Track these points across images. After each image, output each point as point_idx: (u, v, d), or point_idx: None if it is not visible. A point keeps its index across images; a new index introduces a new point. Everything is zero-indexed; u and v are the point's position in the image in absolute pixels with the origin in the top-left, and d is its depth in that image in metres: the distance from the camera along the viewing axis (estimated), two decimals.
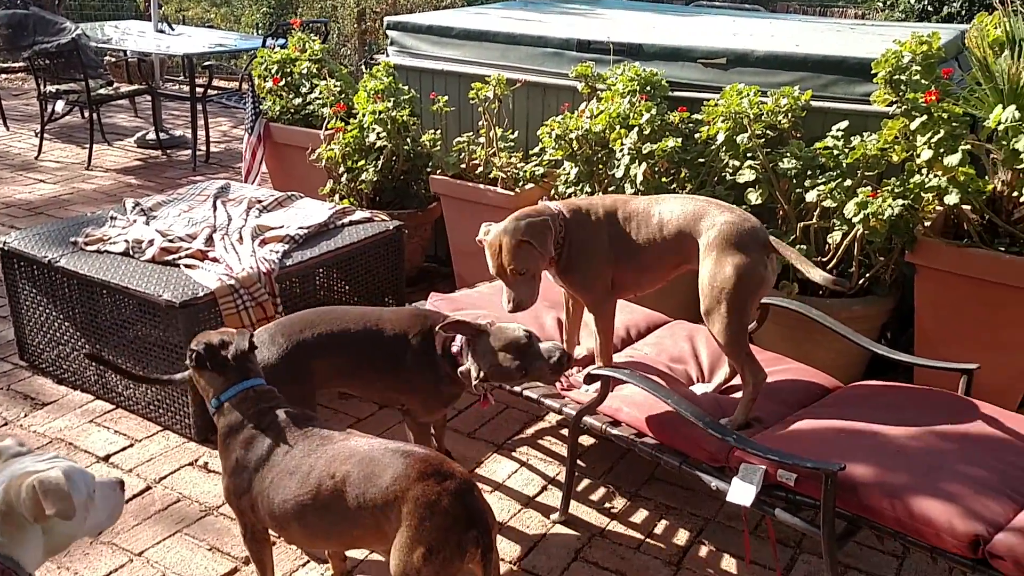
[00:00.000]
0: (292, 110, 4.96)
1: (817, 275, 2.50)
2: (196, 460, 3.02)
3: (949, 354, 2.92)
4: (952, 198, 3.00)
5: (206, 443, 3.09)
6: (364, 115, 4.24)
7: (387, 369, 2.59)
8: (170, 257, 3.27)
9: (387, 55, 4.80)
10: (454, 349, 2.54)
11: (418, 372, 2.58)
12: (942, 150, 3.00)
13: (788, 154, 3.37)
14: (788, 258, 2.54)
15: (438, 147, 4.28)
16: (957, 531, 1.90)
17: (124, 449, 3.07)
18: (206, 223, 3.61)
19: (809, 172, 3.33)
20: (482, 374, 2.44)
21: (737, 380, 2.70)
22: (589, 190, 3.76)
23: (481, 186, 4.01)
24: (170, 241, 3.38)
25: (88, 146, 6.59)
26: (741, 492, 2.17)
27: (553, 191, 3.94)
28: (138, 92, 7.22)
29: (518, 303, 2.59)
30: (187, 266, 3.21)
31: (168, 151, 7.11)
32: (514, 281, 2.59)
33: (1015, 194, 3.06)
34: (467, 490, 1.94)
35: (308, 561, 2.54)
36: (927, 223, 3.20)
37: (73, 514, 1.64)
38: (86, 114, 7.13)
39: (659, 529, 2.73)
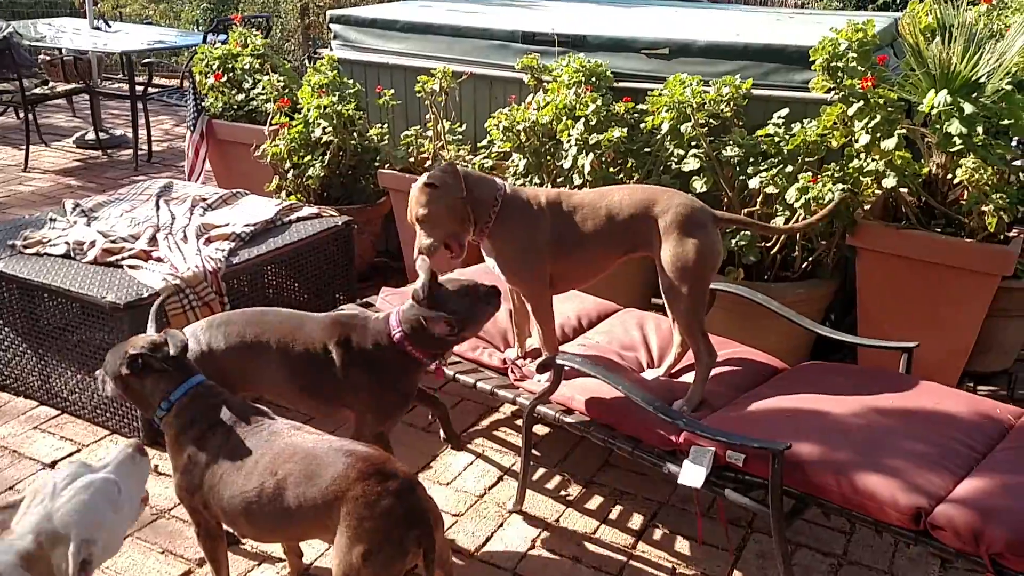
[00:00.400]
0: (235, 106, 4.89)
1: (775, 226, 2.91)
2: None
3: (890, 333, 3.00)
4: (889, 181, 3.08)
5: (155, 446, 3.03)
6: (309, 110, 4.20)
7: (310, 382, 2.47)
8: (113, 258, 3.21)
9: (331, 49, 4.75)
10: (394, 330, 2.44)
11: (348, 381, 2.45)
12: (879, 135, 3.08)
13: (731, 142, 3.42)
14: (740, 222, 2.88)
15: (385, 141, 4.25)
16: (900, 504, 1.96)
17: (71, 455, 3.00)
18: (149, 223, 3.55)
19: (752, 159, 3.39)
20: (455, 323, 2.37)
21: (685, 362, 2.75)
22: (538, 181, 3.78)
23: None
24: (112, 242, 3.31)
25: (24, 147, 6.42)
26: (692, 474, 2.21)
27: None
28: (75, 91, 7.05)
29: (423, 247, 2.61)
30: (131, 267, 3.15)
31: (108, 151, 6.96)
32: (421, 228, 2.63)
33: (949, 176, 3.16)
34: (409, 489, 1.94)
35: (263, 561, 2.52)
36: (867, 207, 3.29)
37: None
38: (21, 115, 6.94)
39: (614, 515, 2.76)
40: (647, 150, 3.64)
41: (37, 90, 6.62)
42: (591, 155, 3.49)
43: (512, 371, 2.83)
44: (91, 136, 7.06)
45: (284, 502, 1.96)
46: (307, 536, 2.12)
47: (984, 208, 2.97)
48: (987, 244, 3.05)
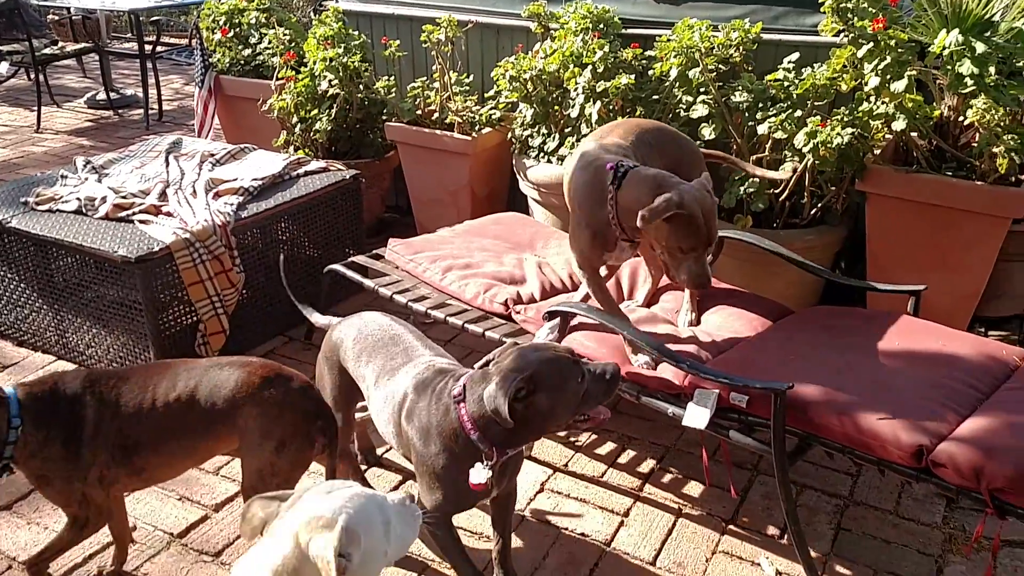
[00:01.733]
0: (242, 61, 4.87)
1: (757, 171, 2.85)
2: None
3: (900, 278, 2.99)
4: (899, 124, 3.04)
5: None
6: (315, 63, 4.18)
7: None
8: (124, 213, 3.24)
9: (336, 1, 4.71)
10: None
11: None
12: (889, 77, 3.03)
13: (740, 87, 3.39)
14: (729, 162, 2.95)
15: (392, 94, 4.24)
16: (902, 442, 1.97)
17: None
18: (159, 178, 3.57)
19: (761, 105, 3.36)
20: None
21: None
22: (545, 131, 3.76)
23: (438, 132, 3.99)
24: (123, 198, 3.34)
25: (36, 108, 6.44)
26: (696, 415, 2.23)
27: (510, 134, 3.93)
28: (85, 51, 7.04)
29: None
30: (141, 222, 3.18)
31: (119, 111, 6.97)
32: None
33: (960, 119, 3.12)
34: (308, 387, 2.13)
35: None
36: (876, 151, 3.25)
37: None
38: (32, 76, 6.94)
39: (622, 459, 2.80)
40: (655, 97, 3.61)
41: (47, 50, 6.62)
42: (599, 103, 3.47)
43: (515, 314, 2.84)
44: (102, 96, 7.07)
45: (194, 417, 2.03)
46: (215, 451, 2.16)
47: (995, 150, 2.94)
48: (998, 186, 3.02)
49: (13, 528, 2.47)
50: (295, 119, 4.27)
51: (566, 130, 3.68)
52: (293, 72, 4.35)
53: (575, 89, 3.56)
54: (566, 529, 2.47)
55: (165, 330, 3.08)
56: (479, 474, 1.90)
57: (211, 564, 2.34)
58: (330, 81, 4.15)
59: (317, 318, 2.68)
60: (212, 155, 3.80)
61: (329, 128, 4.17)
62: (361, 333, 2.33)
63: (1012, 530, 2.46)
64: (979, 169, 3.07)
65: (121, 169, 3.72)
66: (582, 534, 2.46)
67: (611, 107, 3.53)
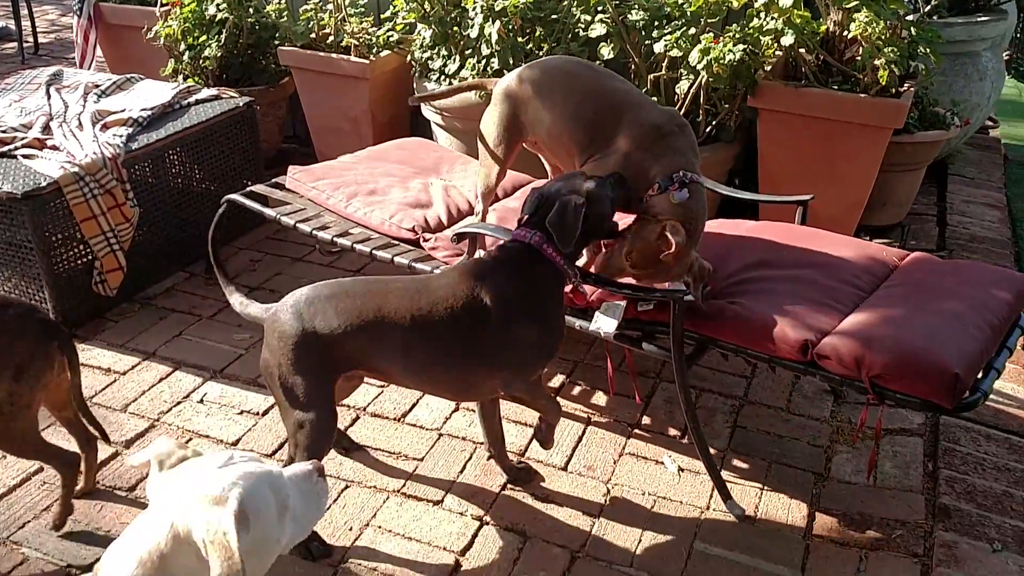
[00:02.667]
0: None
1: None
2: None
3: (790, 191, 3.09)
4: (788, 39, 3.14)
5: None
6: None
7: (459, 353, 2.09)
8: (5, 148, 3.07)
9: None
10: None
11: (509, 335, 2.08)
12: None
13: (636, 6, 3.42)
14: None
15: (284, 17, 4.10)
16: (789, 338, 2.10)
17: None
18: (40, 111, 3.38)
19: (656, 23, 3.40)
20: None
21: None
22: (445, 53, 3.72)
23: (333, 56, 3.89)
24: (3, 132, 3.17)
25: None
26: (605, 323, 2.32)
27: (409, 57, 3.87)
28: None
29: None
30: (25, 156, 3.03)
31: None
32: None
33: (845, 33, 3.23)
34: (32, 309, 2.13)
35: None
36: (767, 68, 3.35)
37: (239, 567, 1.27)
38: None
39: None
40: (554, 17, 3.60)
41: None
42: (498, 23, 3.44)
43: (423, 241, 2.85)
44: None
45: None
46: None
47: (877, 63, 3.07)
48: (879, 98, 3.16)
49: None
50: (183, 46, 4.09)
51: (466, 52, 3.65)
52: None
53: (473, 8, 3.52)
54: (482, 443, 2.54)
55: (59, 270, 2.97)
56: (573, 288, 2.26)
57: (125, 500, 2.33)
58: (218, 5, 3.99)
59: (238, 301, 2.35)
60: (96, 86, 3.62)
61: (219, 55, 4.02)
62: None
63: (891, 420, 2.67)
64: (863, 82, 3.21)
65: None
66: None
67: (510, 27, 3.51)
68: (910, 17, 3.44)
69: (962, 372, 1.93)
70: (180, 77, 4.16)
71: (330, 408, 2.06)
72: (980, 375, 2.05)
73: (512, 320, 2.05)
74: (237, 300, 2.35)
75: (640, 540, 2.23)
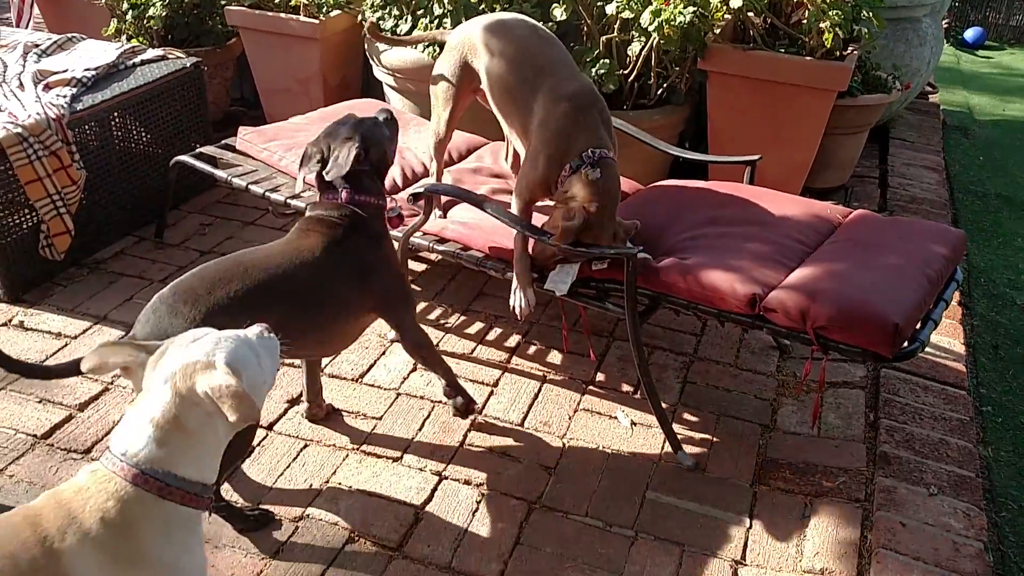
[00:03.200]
0: None
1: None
2: (11, 320, 2.89)
3: (738, 152, 3.17)
4: (737, 2, 3.19)
5: (19, 303, 2.96)
6: None
7: (330, 303, 2.15)
8: None
9: None
10: (346, 196, 2.22)
11: (363, 276, 2.19)
12: None
13: None
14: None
15: None
16: (738, 293, 2.17)
17: None
18: None
19: None
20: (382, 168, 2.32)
21: None
22: (397, 13, 3.69)
23: (282, 15, 3.83)
24: None
25: None
26: (558, 282, 2.36)
27: (360, 17, 3.83)
28: None
29: None
30: None
31: None
32: None
33: None
34: None
35: None
36: (716, 31, 3.40)
37: (259, 414, 1.41)
38: None
39: (490, 336, 2.92)
40: None
41: None
42: None
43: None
44: None
45: None
46: None
47: (822, 25, 3.14)
48: (824, 61, 3.24)
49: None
50: (126, 5, 3.99)
51: (418, 12, 3.62)
52: None
53: None
54: (440, 402, 2.58)
55: (5, 234, 2.90)
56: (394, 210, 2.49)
57: (81, 461, 2.32)
58: None
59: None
60: (36, 45, 3.52)
61: (164, 14, 3.93)
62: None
63: (835, 373, 2.77)
64: (808, 45, 3.28)
65: None
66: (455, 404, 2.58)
67: None
68: None
69: (902, 323, 2.02)
70: (123, 37, 4.06)
71: None
72: (919, 326, 2.14)
73: (367, 264, 2.20)
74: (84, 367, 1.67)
75: (595, 491, 2.29)
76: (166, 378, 1.41)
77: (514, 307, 2.45)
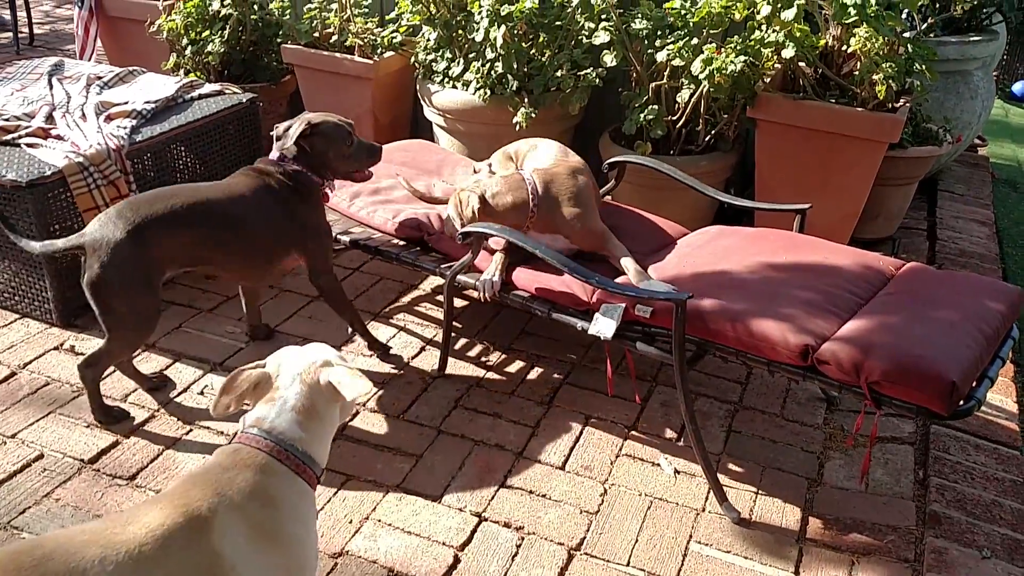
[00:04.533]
0: None
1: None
2: (62, 344, 2.95)
3: (785, 201, 3.16)
4: (788, 52, 3.19)
5: (70, 328, 3.01)
6: None
7: (252, 233, 2.59)
8: (9, 137, 3.07)
9: None
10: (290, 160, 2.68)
11: (289, 218, 2.64)
12: (779, 6, 3.17)
13: (640, 15, 3.46)
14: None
15: (288, 15, 4.12)
16: (790, 343, 2.14)
17: None
18: (43, 101, 3.39)
19: (659, 32, 3.45)
20: (329, 158, 2.69)
21: None
22: (449, 56, 3.75)
23: (337, 55, 3.91)
24: (6, 120, 3.16)
25: None
26: (604, 325, 2.35)
27: (413, 59, 3.90)
28: None
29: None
30: (29, 145, 3.03)
31: None
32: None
33: (844, 47, 3.29)
34: None
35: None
36: (767, 79, 3.41)
37: (370, 388, 1.66)
38: None
39: (532, 375, 2.91)
40: (558, 23, 3.65)
41: None
42: (503, 27, 3.48)
43: (427, 237, 2.88)
44: None
45: None
46: None
47: (875, 77, 3.13)
48: (876, 112, 3.22)
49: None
50: (185, 41, 4.10)
51: (470, 55, 3.68)
52: None
53: (479, 12, 3.55)
54: (481, 441, 2.57)
55: (61, 259, 2.97)
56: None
57: (126, 488, 2.34)
58: (222, 1, 4.00)
59: (38, 245, 2.56)
60: (99, 77, 3.62)
61: (222, 50, 4.04)
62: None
63: (883, 428, 2.72)
64: (860, 96, 3.27)
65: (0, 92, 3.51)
66: (496, 444, 2.57)
67: (515, 31, 3.55)
68: (907, 34, 3.51)
69: (958, 380, 1.98)
70: (182, 71, 4.17)
71: (158, 300, 2.49)
72: (975, 384, 2.10)
73: (291, 211, 2.64)
74: (37, 245, 2.51)
75: (637, 540, 2.26)
76: (294, 376, 1.63)
77: (482, 285, 2.65)
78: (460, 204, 2.70)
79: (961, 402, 2.02)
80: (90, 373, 2.49)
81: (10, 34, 6.24)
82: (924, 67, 3.33)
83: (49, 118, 3.26)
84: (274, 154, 2.70)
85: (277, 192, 2.64)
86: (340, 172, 2.76)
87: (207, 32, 4.06)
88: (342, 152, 2.70)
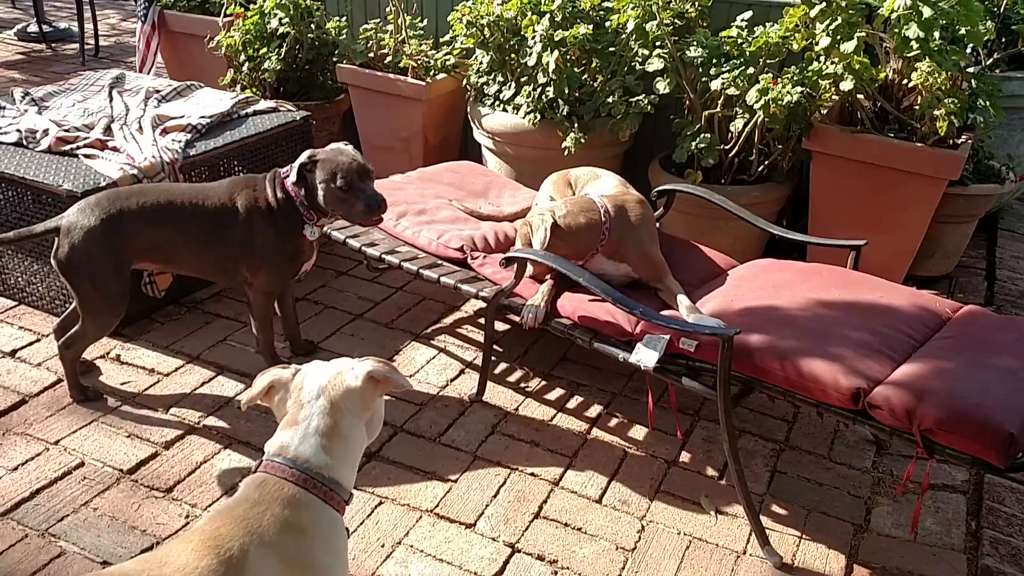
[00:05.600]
0: None
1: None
2: (108, 352, 2.99)
3: (839, 235, 3.09)
4: (847, 84, 3.13)
5: (117, 336, 3.05)
6: (265, 0, 4.07)
7: (213, 240, 2.63)
8: (67, 147, 3.14)
9: None
10: (287, 184, 2.63)
11: (250, 236, 2.64)
12: (839, 37, 3.11)
13: (695, 43, 3.43)
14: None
15: (344, 35, 4.16)
16: (841, 386, 2.07)
17: (31, 344, 3.01)
18: (102, 113, 3.46)
19: (714, 61, 3.41)
20: (320, 195, 2.59)
21: None
22: (501, 79, 3.75)
23: (391, 75, 3.94)
24: (66, 131, 3.24)
25: None
26: (646, 355, 2.30)
27: (465, 81, 3.91)
28: None
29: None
30: (86, 156, 3.10)
31: (53, 44, 6.69)
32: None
33: (904, 81, 3.21)
34: None
35: None
36: (823, 111, 3.34)
37: (408, 383, 1.65)
38: None
39: (571, 404, 2.87)
40: (612, 49, 3.63)
41: None
42: (556, 52, 3.47)
43: (471, 259, 2.87)
44: (33, 28, 6.77)
45: None
46: None
47: (936, 113, 3.05)
48: (937, 148, 3.14)
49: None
50: (243, 57, 4.17)
51: (522, 79, 3.68)
52: (242, 9, 4.24)
53: (532, 37, 3.55)
54: (517, 469, 2.53)
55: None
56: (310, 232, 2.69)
57: (163, 500, 2.35)
58: (280, 19, 4.07)
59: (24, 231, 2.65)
60: (158, 91, 3.70)
61: (278, 68, 4.09)
62: None
63: (934, 475, 2.62)
64: (919, 131, 3.18)
65: (62, 102, 3.59)
66: (532, 473, 2.53)
67: (568, 57, 3.54)
68: (971, 69, 3.42)
69: (1017, 431, 1.89)
70: (238, 87, 4.24)
71: (125, 290, 2.62)
72: None
73: (257, 230, 2.64)
74: (11, 234, 2.63)
75: None
76: (317, 393, 1.58)
77: (526, 312, 2.59)
78: (531, 228, 2.65)
79: (1020, 455, 1.93)
80: (68, 353, 2.65)
81: (76, 45, 6.43)
82: (988, 103, 3.24)
83: (107, 130, 3.33)
84: (289, 174, 2.64)
85: (255, 208, 2.63)
86: (337, 213, 2.64)
87: (264, 49, 4.13)
88: (335, 195, 2.58)
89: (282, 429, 1.58)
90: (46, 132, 3.20)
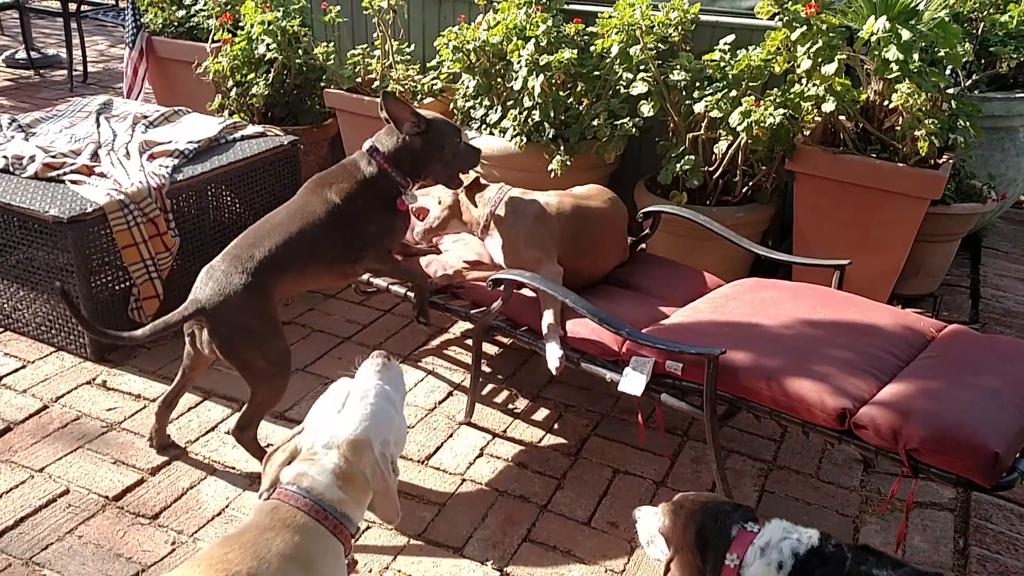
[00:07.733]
0: (176, 23, 4.75)
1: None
2: (94, 379, 2.97)
3: (823, 255, 3.11)
4: (829, 106, 3.17)
5: (103, 362, 3.04)
6: (252, 26, 4.10)
7: (340, 242, 2.57)
8: (54, 173, 3.14)
9: None
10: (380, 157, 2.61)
11: (365, 220, 2.59)
12: (820, 60, 3.15)
13: (678, 66, 3.46)
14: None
15: (332, 60, 4.19)
16: (827, 406, 2.08)
17: (16, 371, 2.99)
18: (90, 139, 3.47)
19: (698, 84, 3.44)
20: (445, 153, 2.63)
21: None
22: (488, 103, 3.78)
23: (378, 100, 3.96)
24: (53, 157, 3.24)
25: None
26: (632, 382, 2.31)
27: (452, 105, 3.94)
28: (3, 7, 6.73)
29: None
30: (73, 182, 3.10)
31: (41, 71, 6.70)
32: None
33: (885, 103, 3.26)
34: None
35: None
36: (806, 132, 3.38)
37: (387, 486, 1.66)
38: None
39: (559, 425, 2.87)
40: (596, 73, 3.66)
41: None
42: (541, 76, 3.50)
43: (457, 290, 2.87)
44: (21, 55, 6.78)
45: None
46: None
47: (917, 133, 3.08)
48: (918, 168, 3.17)
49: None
50: (231, 83, 4.19)
51: (508, 102, 3.70)
52: (230, 35, 4.27)
53: (518, 62, 3.58)
54: (505, 492, 2.53)
55: (97, 294, 3.01)
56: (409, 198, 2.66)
57: (148, 526, 2.33)
58: (268, 45, 4.09)
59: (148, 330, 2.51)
60: (145, 116, 3.71)
61: (266, 93, 4.11)
62: None
63: (922, 493, 2.62)
64: (901, 152, 3.22)
65: (49, 128, 3.60)
66: (521, 496, 2.53)
67: (553, 81, 3.57)
68: (951, 90, 3.47)
69: (1001, 451, 1.90)
70: (226, 112, 4.25)
71: (287, 345, 2.49)
72: (1019, 454, 2.02)
73: (367, 210, 2.59)
74: (142, 332, 2.49)
75: None
76: (330, 445, 1.62)
77: (554, 365, 2.51)
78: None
79: (1004, 474, 1.94)
80: (247, 435, 2.47)
81: (65, 72, 6.44)
82: (968, 123, 3.28)
83: (94, 156, 3.33)
84: (381, 146, 2.63)
85: (357, 193, 2.60)
86: (441, 173, 2.69)
87: (252, 75, 4.15)
88: (458, 151, 2.68)
89: (300, 460, 1.62)
90: (32, 159, 3.20)
